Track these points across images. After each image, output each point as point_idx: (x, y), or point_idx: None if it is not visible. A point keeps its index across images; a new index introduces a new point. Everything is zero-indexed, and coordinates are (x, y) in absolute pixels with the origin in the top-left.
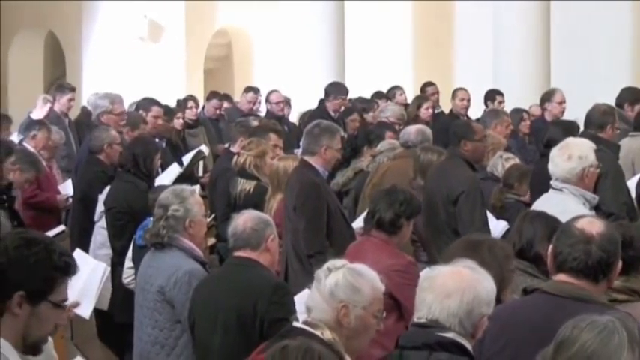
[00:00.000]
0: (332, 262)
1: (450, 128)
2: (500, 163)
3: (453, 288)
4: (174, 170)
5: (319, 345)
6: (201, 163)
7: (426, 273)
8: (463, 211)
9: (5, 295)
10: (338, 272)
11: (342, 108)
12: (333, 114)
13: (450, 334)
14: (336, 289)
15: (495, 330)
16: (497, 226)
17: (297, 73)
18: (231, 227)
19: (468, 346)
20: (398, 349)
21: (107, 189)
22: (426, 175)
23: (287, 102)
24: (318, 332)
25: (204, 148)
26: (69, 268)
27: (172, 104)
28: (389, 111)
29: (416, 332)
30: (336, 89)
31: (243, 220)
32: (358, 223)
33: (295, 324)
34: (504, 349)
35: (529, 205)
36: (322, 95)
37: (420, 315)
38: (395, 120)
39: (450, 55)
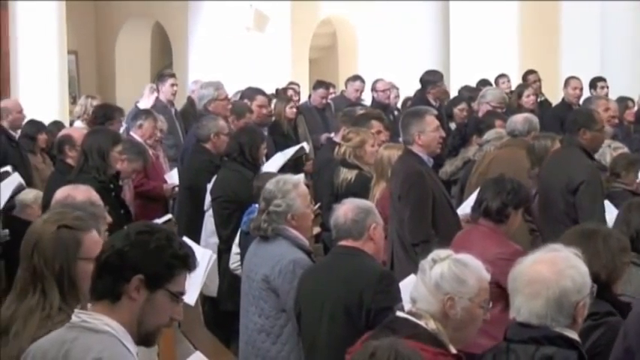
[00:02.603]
0: (436, 253)
1: (570, 115)
2: (609, 152)
3: (537, 288)
4: (278, 160)
5: (407, 349)
6: None
7: (511, 274)
8: (584, 200)
9: (124, 277)
10: (443, 264)
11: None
12: (434, 102)
13: (556, 329)
14: (441, 281)
15: None
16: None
17: (402, 62)
18: (332, 218)
19: (575, 336)
20: (505, 341)
21: (214, 178)
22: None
23: (395, 90)
24: (422, 322)
25: (306, 145)
26: (188, 260)
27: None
28: (489, 95)
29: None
30: (434, 77)
31: (344, 211)
32: (462, 210)
33: (399, 314)
34: None
35: (636, 193)
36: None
37: (514, 316)
38: (496, 104)
39: (557, 44)
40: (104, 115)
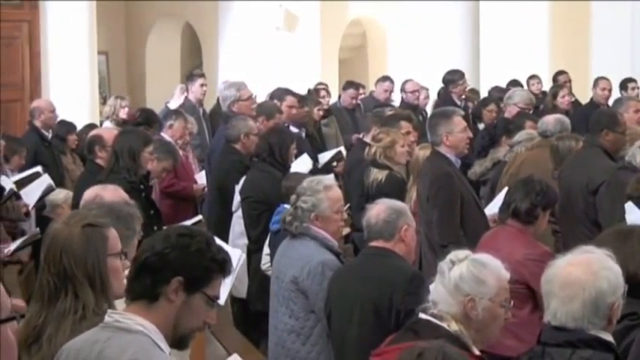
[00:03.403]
0: (455, 254)
1: (594, 116)
2: (639, 153)
3: (573, 290)
4: (304, 162)
5: (454, 349)
6: None
7: (544, 276)
8: (604, 201)
9: (164, 279)
10: (461, 265)
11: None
12: (458, 102)
13: (592, 331)
14: (460, 282)
15: None
16: None
17: (432, 62)
18: (364, 218)
19: (610, 338)
20: (540, 345)
21: (243, 178)
22: None
23: (425, 91)
24: (444, 324)
25: (343, 150)
26: (225, 264)
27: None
28: (517, 96)
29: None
30: (454, 76)
31: (376, 211)
32: (489, 210)
33: (422, 316)
34: None
35: None
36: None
37: (549, 319)
38: (524, 105)
39: (587, 45)
40: (146, 119)
